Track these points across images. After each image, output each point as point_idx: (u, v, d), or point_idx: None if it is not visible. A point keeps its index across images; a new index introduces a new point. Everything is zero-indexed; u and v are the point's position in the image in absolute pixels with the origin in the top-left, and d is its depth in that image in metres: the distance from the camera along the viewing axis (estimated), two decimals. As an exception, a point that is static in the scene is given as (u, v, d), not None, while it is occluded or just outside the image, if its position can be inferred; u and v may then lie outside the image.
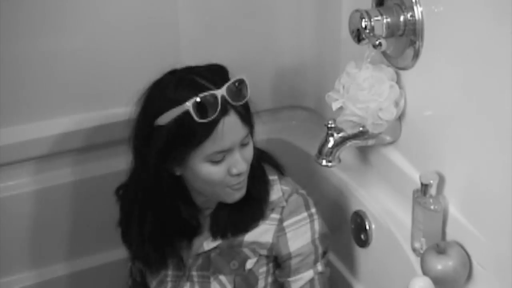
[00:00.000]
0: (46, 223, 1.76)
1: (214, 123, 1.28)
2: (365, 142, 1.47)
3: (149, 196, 1.40)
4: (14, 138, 1.66)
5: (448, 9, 1.26)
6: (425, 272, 1.30)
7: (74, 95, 1.70)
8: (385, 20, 1.34)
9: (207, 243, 1.45)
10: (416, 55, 1.35)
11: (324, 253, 1.47)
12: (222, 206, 1.43)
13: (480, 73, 1.20)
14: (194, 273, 1.48)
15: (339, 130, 1.41)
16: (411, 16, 1.32)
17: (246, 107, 1.34)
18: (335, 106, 1.43)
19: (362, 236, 1.60)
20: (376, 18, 1.34)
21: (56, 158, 1.72)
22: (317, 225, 1.45)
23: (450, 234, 1.36)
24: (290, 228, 1.43)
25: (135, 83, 1.74)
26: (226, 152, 1.32)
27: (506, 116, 1.15)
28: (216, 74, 1.34)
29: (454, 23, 1.25)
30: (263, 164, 1.46)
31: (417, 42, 1.33)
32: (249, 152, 1.36)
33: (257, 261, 1.45)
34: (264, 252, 1.44)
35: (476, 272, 1.30)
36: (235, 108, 1.30)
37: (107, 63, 1.68)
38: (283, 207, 1.43)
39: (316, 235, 1.44)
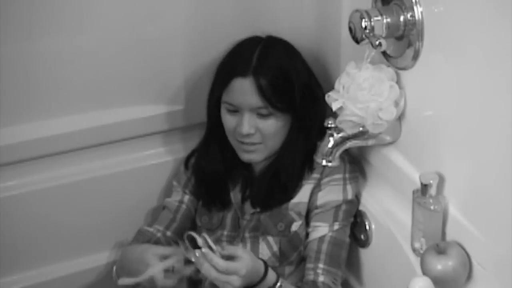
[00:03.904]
0: (46, 223, 1.76)
1: (231, 77, 1.49)
2: (365, 142, 1.47)
3: (211, 131, 1.60)
4: (14, 138, 1.66)
5: (448, 9, 1.26)
6: (425, 272, 1.30)
7: (74, 95, 1.70)
8: (385, 20, 1.34)
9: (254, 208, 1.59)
10: (416, 55, 1.35)
11: (345, 217, 1.55)
12: (262, 175, 1.58)
13: (480, 73, 1.20)
14: (247, 234, 1.59)
15: (339, 130, 1.42)
16: (411, 16, 1.32)
17: (276, 85, 1.47)
18: (335, 106, 1.43)
19: (362, 236, 1.61)
20: (376, 18, 1.34)
21: (57, 158, 1.72)
22: (349, 189, 1.55)
23: (450, 234, 1.36)
24: (325, 185, 1.55)
25: (136, 83, 1.75)
26: (237, 107, 1.50)
27: (506, 116, 1.15)
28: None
29: (454, 23, 1.25)
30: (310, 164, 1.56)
31: (417, 42, 1.33)
32: (266, 126, 1.50)
33: (302, 223, 1.55)
34: (304, 211, 1.55)
35: (476, 272, 1.30)
36: (255, 75, 1.47)
37: (108, 63, 1.68)
38: (323, 168, 1.54)
39: (347, 197, 1.55)
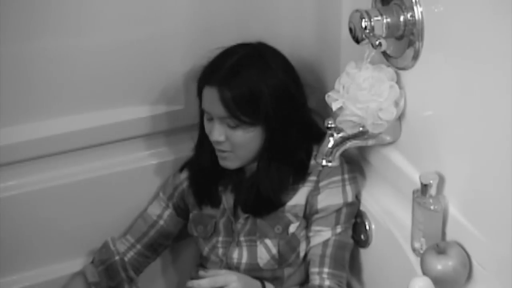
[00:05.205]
0: (46, 223, 1.76)
1: (203, 84, 1.52)
2: (365, 142, 1.47)
3: (202, 134, 1.61)
4: (14, 138, 1.66)
5: (448, 9, 1.26)
6: (425, 272, 1.30)
7: (74, 95, 1.70)
8: (385, 20, 1.34)
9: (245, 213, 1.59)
10: (416, 55, 1.35)
11: (347, 219, 1.55)
12: (251, 181, 1.57)
13: (479, 73, 1.20)
14: (242, 238, 1.59)
15: (339, 130, 1.41)
16: (411, 16, 1.32)
17: (242, 98, 1.47)
18: (335, 106, 1.43)
19: (362, 236, 1.60)
20: (376, 18, 1.34)
21: (56, 158, 1.72)
22: (348, 191, 1.56)
23: (450, 234, 1.36)
24: (324, 188, 1.55)
25: (136, 83, 1.76)
26: (210, 115, 1.52)
27: (506, 116, 1.15)
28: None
29: (454, 23, 1.25)
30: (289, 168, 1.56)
31: (417, 42, 1.33)
32: (234, 136, 1.51)
33: (299, 225, 1.55)
34: (302, 213, 1.55)
35: (476, 272, 1.30)
36: (219, 86, 1.48)
37: (107, 63, 1.68)
38: (320, 170, 1.54)
39: (348, 200, 1.55)
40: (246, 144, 1.52)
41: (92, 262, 1.69)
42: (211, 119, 1.53)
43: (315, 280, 1.53)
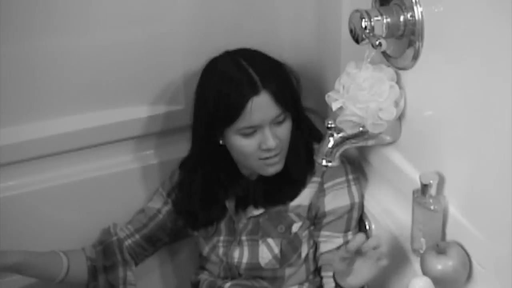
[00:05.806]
0: (46, 223, 1.76)
1: (245, 102, 1.43)
2: (365, 142, 1.47)
3: (198, 163, 1.57)
4: (14, 138, 1.66)
5: (448, 9, 1.26)
6: (425, 272, 1.31)
7: (74, 95, 1.70)
8: (385, 20, 1.34)
9: (256, 209, 1.58)
10: (416, 55, 1.35)
11: (356, 224, 1.56)
12: (263, 178, 1.55)
13: (480, 73, 1.20)
14: (244, 237, 1.59)
15: (339, 130, 1.41)
16: (411, 16, 1.32)
17: (283, 88, 1.47)
18: (335, 106, 1.43)
19: (362, 236, 1.61)
20: (376, 18, 1.34)
21: (56, 158, 1.72)
22: (354, 191, 1.56)
23: (450, 234, 1.36)
24: (330, 190, 1.55)
25: (136, 83, 1.76)
26: (256, 127, 1.45)
27: (506, 116, 1.15)
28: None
29: (454, 23, 1.25)
30: (314, 146, 1.56)
31: (417, 42, 1.33)
32: (283, 130, 1.49)
33: (302, 225, 1.55)
34: (305, 213, 1.55)
35: (476, 272, 1.30)
36: (266, 88, 1.44)
37: (108, 63, 1.68)
38: (323, 171, 1.54)
39: (355, 200, 1.56)
40: (289, 135, 1.51)
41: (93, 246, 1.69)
42: (252, 133, 1.47)
43: (332, 283, 1.50)
